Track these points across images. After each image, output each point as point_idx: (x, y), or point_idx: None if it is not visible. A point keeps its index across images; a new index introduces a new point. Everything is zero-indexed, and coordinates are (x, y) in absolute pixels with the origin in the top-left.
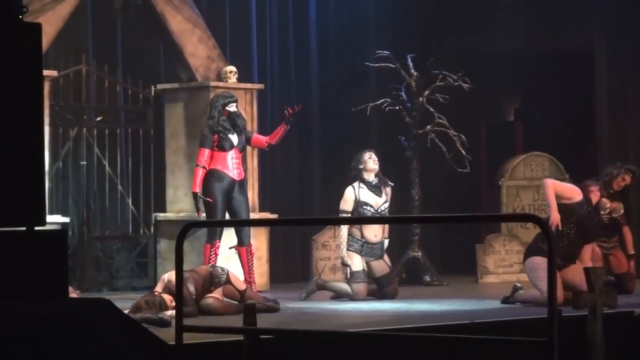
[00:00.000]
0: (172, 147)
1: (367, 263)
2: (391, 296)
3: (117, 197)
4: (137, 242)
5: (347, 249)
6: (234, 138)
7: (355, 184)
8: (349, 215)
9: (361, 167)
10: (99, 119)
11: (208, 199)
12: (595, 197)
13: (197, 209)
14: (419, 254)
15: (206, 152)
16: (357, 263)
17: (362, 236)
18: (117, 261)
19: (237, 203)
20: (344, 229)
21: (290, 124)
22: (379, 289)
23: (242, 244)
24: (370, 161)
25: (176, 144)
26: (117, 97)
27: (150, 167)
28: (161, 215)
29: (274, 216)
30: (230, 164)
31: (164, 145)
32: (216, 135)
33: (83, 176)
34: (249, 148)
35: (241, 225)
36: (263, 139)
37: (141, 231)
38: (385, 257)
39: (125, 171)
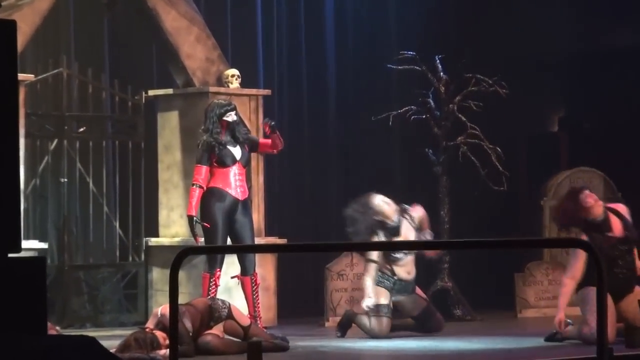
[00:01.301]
0: (166, 162)
1: (399, 302)
2: (438, 328)
3: (102, 220)
4: (126, 271)
5: (377, 285)
6: (235, 151)
7: (380, 234)
8: (377, 263)
9: (379, 218)
10: (81, 129)
11: (205, 224)
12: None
13: (194, 235)
14: (449, 284)
15: (203, 169)
16: (383, 297)
17: (393, 273)
18: (102, 293)
19: (241, 226)
20: (370, 273)
21: (273, 131)
22: (421, 324)
23: (246, 272)
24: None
25: (170, 159)
26: (103, 105)
27: (141, 185)
28: (153, 241)
29: (283, 241)
30: (233, 181)
31: (157, 160)
32: (212, 151)
33: (63, 195)
34: (253, 163)
35: (245, 251)
36: (270, 146)
37: (130, 258)
38: (417, 289)
39: (112, 190)
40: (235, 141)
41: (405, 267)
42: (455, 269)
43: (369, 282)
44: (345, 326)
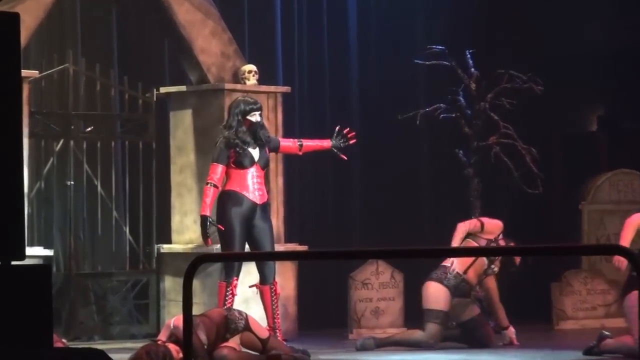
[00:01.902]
0: (179, 163)
1: (455, 304)
2: (484, 343)
3: (111, 225)
4: (136, 279)
5: (431, 279)
6: (254, 152)
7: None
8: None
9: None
10: (89, 129)
11: (219, 225)
12: None
13: (205, 237)
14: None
15: (219, 168)
16: (441, 301)
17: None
18: (111, 303)
19: (259, 232)
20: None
21: (338, 150)
22: (467, 334)
23: (265, 281)
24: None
25: (184, 160)
26: (112, 103)
27: (152, 188)
28: (165, 247)
29: (303, 248)
30: (251, 184)
31: (169, 162)
32: (233, 150)
33: (70, 199)
34: (273, 165)
35: (264, 259)
36: (293, 143)
37: (141, 266)
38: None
39: (122, 193)
40: (255, 142)
41: (463, 259)
42: None
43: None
44: (367, 346)
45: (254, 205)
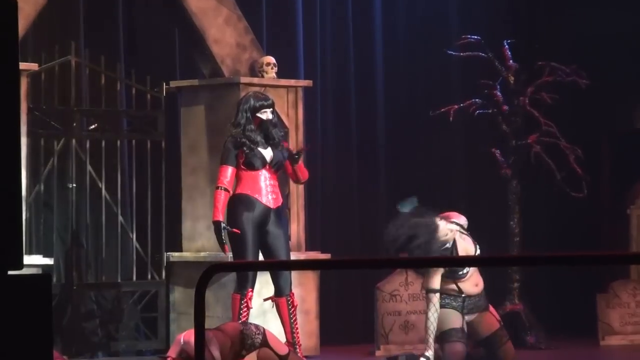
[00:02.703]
0: (190, 164)
1: (469, 322)
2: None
3: (116, 231)
4: (144, 290)
5: (442, 307)
6: (266, 153)
7: None
8: (438, 294)
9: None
10: (92, 127)
11: (235, 230)
12: None
13: (222, 244)
14: (520, 306)
15: (229, 170)
16: (453, 320)
17: (460, 290)
18: (117, 316)
19: (273, 238)
20: (432, 310)
21: (295, 160)
22: (489, 351)
23: (281, 293)
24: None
25: (196, 161)
26: (118, 98)
27: (162, 191)
28: (175, 256)
29: (326, 256)
30: (264, 187)
31: (180, 163)
32: (241, 150)
33: (71, 203)
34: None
35: (282, 268)
36: (304, 175)
37: (149, 276)
38: (491, 308)
39: (128, 197)
40: (267, 142)
41: (471, 279)
42: (527, 289)
43: (432, 324)
44: None
45: (267, 209)
